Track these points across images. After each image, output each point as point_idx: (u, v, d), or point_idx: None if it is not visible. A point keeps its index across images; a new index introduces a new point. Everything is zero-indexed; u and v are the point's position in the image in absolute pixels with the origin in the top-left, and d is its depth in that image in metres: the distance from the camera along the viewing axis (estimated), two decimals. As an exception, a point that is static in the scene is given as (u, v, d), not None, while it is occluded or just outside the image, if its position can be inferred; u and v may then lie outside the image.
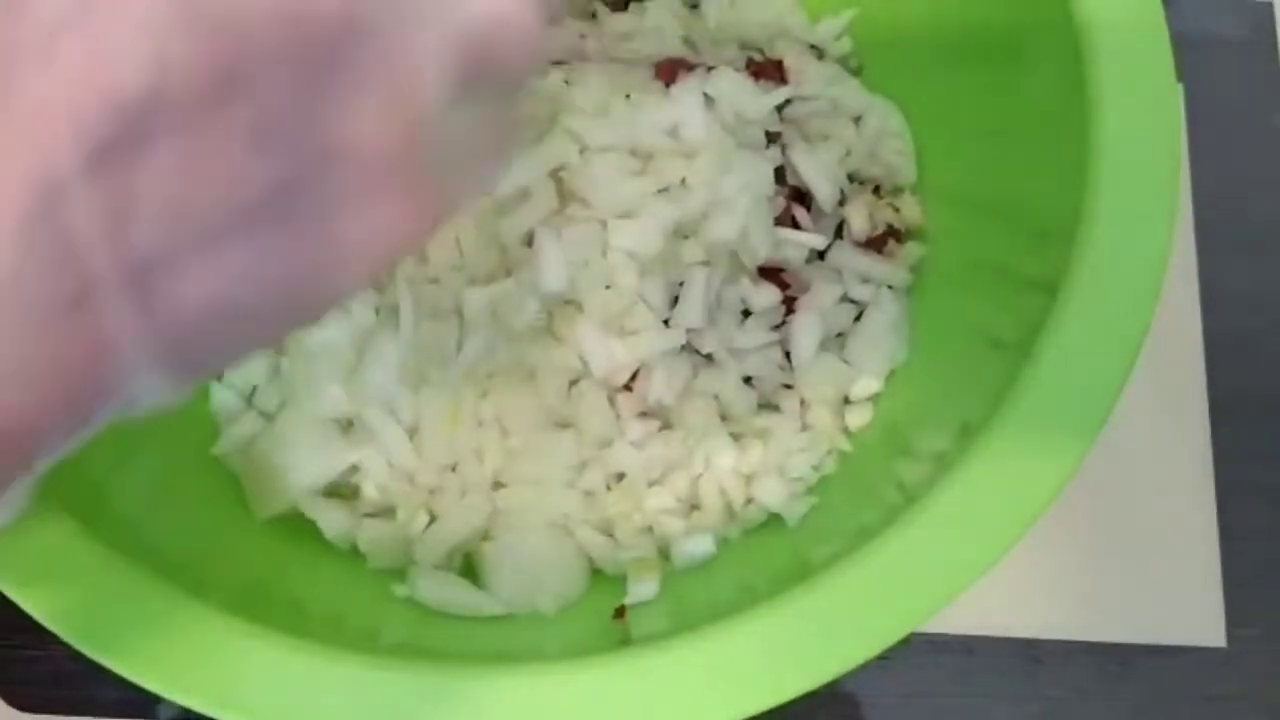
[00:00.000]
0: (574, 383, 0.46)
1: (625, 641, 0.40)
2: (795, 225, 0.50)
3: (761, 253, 0.48)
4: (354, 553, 0.46)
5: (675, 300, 0.47)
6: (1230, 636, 0.54)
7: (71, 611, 0.36)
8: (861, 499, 0.44)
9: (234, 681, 0.35)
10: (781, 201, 0.49)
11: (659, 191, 0.46)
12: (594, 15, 0.54)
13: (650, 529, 0.47)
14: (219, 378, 0.48)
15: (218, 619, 0.36)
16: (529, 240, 0.46)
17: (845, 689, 0.52)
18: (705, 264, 0.47)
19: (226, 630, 0.36)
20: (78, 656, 0.35)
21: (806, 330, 0.48)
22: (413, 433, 0.46)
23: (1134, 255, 0.40)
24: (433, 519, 0.46)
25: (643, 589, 0.44)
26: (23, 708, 0.50)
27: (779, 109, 0.51)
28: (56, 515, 0.37)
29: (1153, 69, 0.42)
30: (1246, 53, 0.65)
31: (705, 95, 0.48)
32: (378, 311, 0.46)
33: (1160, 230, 0.40)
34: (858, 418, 0.48)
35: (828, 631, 0.36)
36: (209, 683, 0.35)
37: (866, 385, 0.49)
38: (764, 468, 0.47)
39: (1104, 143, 0.41)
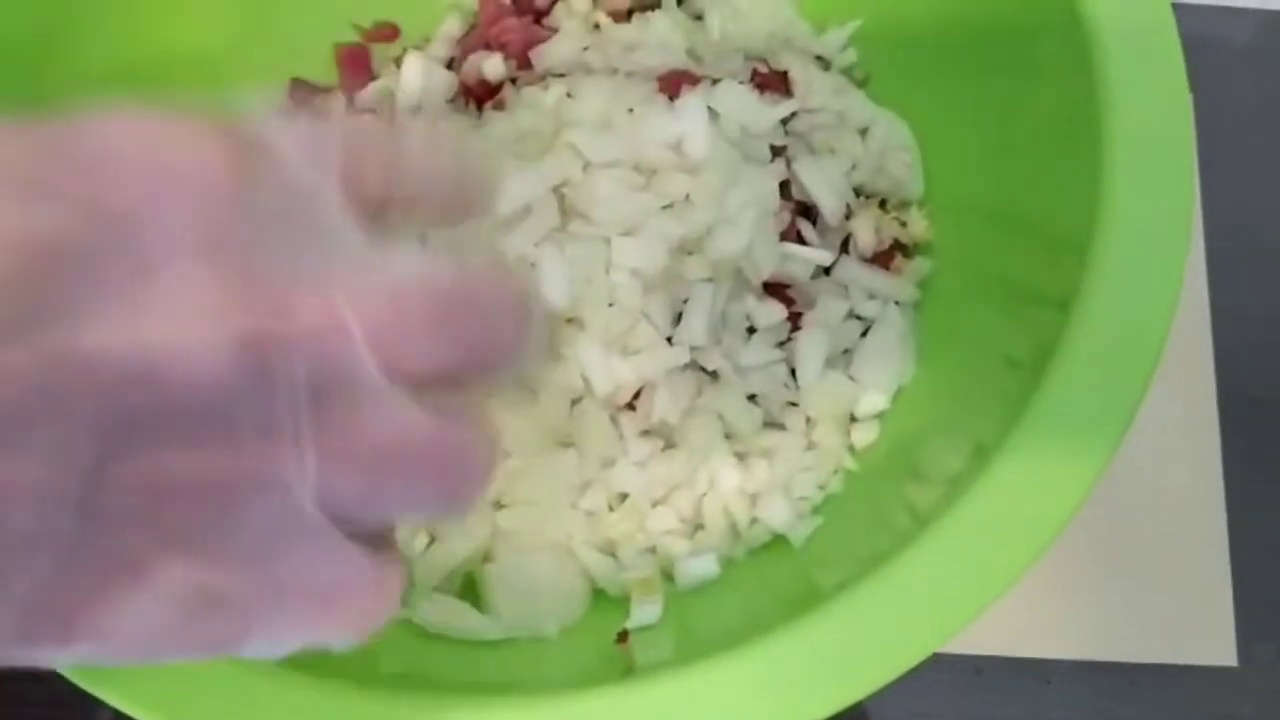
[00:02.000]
0: (576, 402, 0.46)
1: (629, 669, 0.40)
2: (800, 240, 0.49)
3: (766, 269, 0.47)
4: (352, 574, 0.45)
5: (679, 317, 0.46)
6: (1242, 655, 0.53)
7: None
8: (869, 520, 0.44)
9: (226, 713, 0.35)
10: (786, 216, 0.49)
11: (662, 207, 0.46)
12: (597, 26, 0.53)
13: (653, 549, 0.46)
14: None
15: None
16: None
17: (850, 708, 0.51)
18: (709, 280, 0.46)
19: (219, 662, 0.35)
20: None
21: (812, 347, 0.47)
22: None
23: (1148, 269, 0.39)
24: (432, 540, 0.46)
25: (646, 612, 0.43)
26: (20, 730, 0.50)
27: (784, 122, 0.50)
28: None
29: (1164, 78, 0.41)
30: (1257, 60, 0.64)
31: (709, 109, 0.47)
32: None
33: (1175, 243, 0.39)
34: (864, 436, 0.48)
35: (838, 660, 0.35)
36: (200, 714, 0.34)
37: (873, 402, 0.48)
38: (769, 487, 0.46)
39: (1115, 154, 0.40)
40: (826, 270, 0.50)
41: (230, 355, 0.20)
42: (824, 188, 0.49)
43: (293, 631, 0.23)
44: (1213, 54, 0.64)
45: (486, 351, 0.24)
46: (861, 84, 0.54)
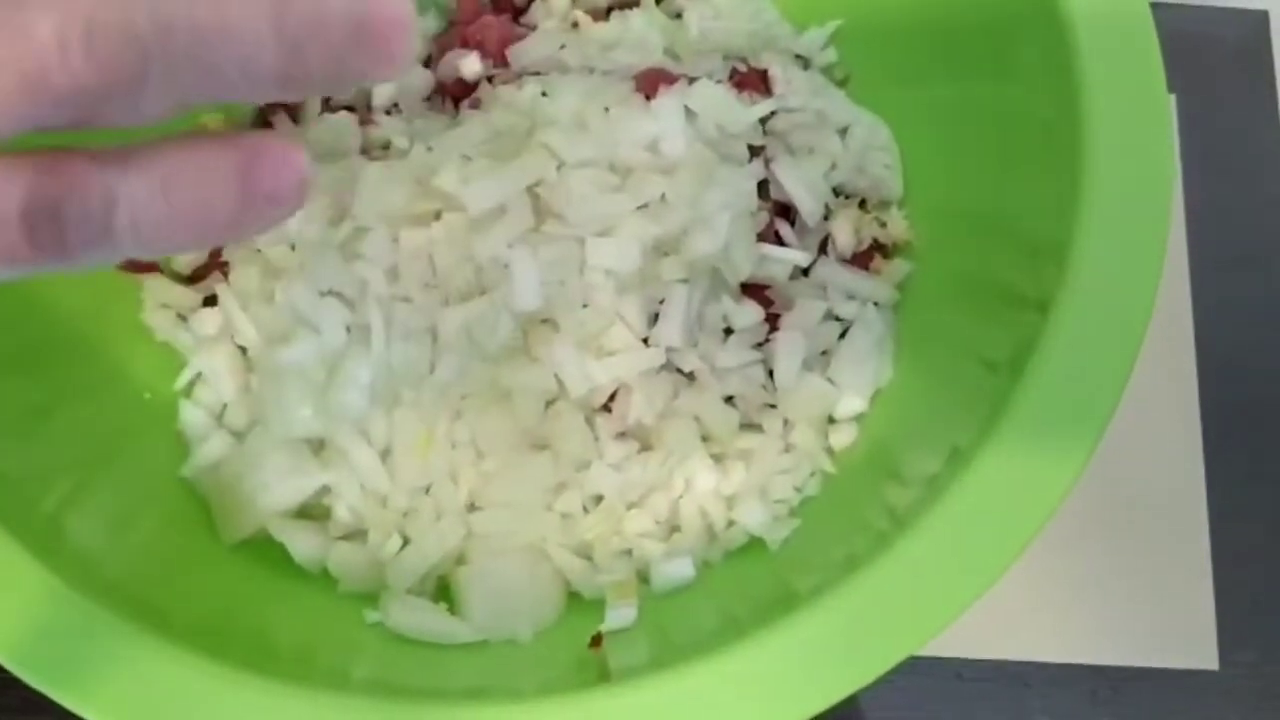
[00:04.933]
0: (550, 403, 0.45)
1: (604, 674, 0.39)
2: (779, 241, 0.49)
3: (744, 269, 0.47)
4: (324, 576, 0.45)
5: (655, 318, 0.46)
6: (1223, 660, 0.53)
7: (31, 650, 0.35)
8: (847, 522, 0.43)
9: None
10: (765, 216, 0.48)
11: (638, 208, 0.45)
12: (575, 25, 0.52)
13: (629, 552, 0.46)
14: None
15: (182, 658, 0.35)
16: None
17: (829, 713, 0.51)
18: (686, 281, 0.46)
19: (190, 670, 0.35)
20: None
21: (790, 348, 0.47)
22: (385, 454, 0.45)
23: (1126, 271, 0.39)
24: (406, 542, 0.45)
25: (621, 615, 0.43)
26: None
27: (763, 121, 0.50)
28: (10, 549, 0.36)
29: (1143, 80, 0.41)
30: (1241, 61, 0.64)
31: (686, 108, 0.47)
32: (349, 331, 0.45)
33: (1153, 245, 0.39)
34: (842, 438, 0.47)
35: (815, 664, 0.35)
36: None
37: (851, 404, 0.47)
38: (745, 489, 0.46)
39: (1095, 156, 0.40)
40: (805, 271, 0.49)
41: None
42: (802, 188, 0.49)
43: None
44: (1200, 54, 0.64)
45: None
46: (842, 84, 0.53)
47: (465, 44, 0.52)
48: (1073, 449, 0.37)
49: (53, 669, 0.35)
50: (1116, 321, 0.38)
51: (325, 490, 0.46)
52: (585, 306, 0.44)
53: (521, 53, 0.51)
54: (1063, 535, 0.53)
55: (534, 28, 0.53)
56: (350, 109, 0.51)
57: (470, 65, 0.51)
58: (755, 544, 0.46)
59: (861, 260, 0.50)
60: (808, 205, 0.49)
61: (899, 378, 0.48)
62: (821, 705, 0.35)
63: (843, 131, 0.51)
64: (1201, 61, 0.63)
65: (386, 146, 0.49)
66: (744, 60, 0.52)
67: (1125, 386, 0.38)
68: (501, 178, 0.44)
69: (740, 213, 0.46)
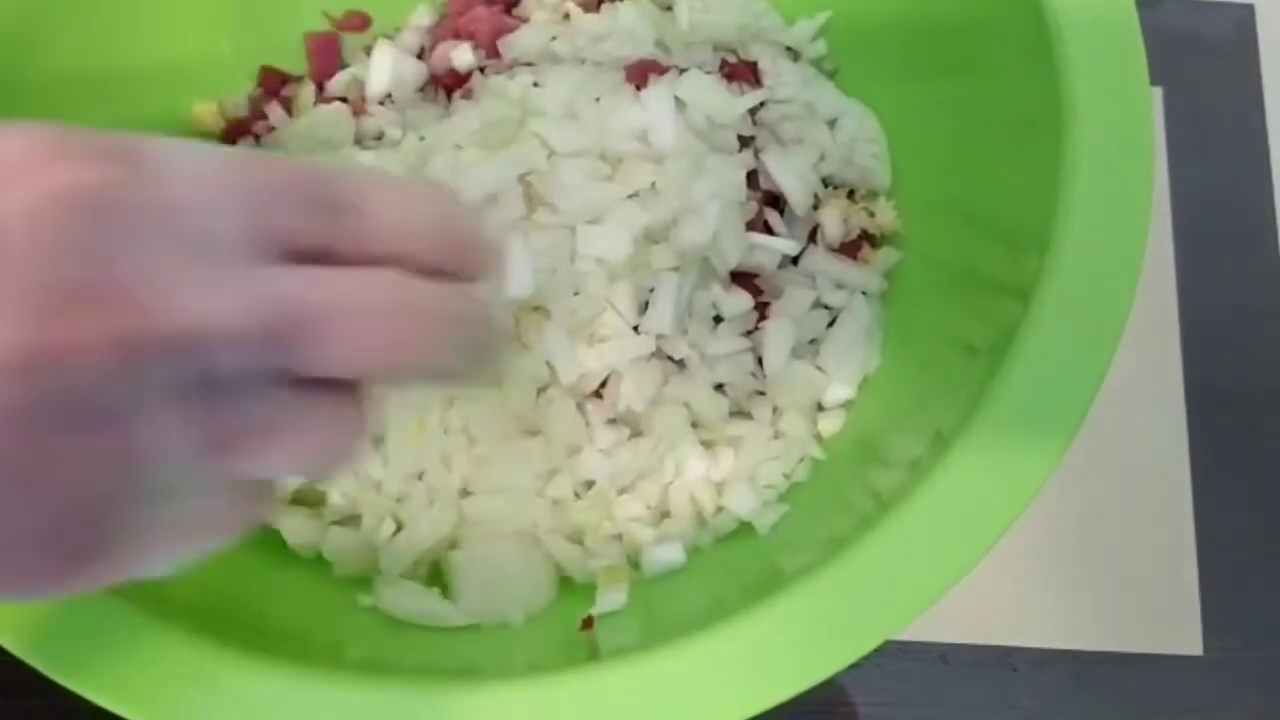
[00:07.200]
0: (542, 390, 0.46)
1: (594, 655, 0.40)
2: (768, 230, 0.49)
3: (733, 258, 0.47)
4: (319, 561, 0.46)
5: (645, 306, 0.46)
6: (1207, 645, 0.53)
7: (30, 632, 0.35)
8: (834, 507, 0.44)
9: (196, 704, 0.35)
10: (754, 206, 0.49)
11: (629, 196, 0.46)
12: (566, 16, 0.53)
13: (620, 537, 0.46)
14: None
15: (179, 639, 0.36)
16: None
17: (817, 697, 0.51)
18: (676, 269, 0.46)
19: (189, 651, 0.35)
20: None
21: (779, 336, 0.47)
22: (379, 440, 0.46)
23: (1108, 260, 0.39)
24: (399, 527, 0.46)
25: (611, 599, 0.44)
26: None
27: (752, 112, 0.50)
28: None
29: (1126, 72, 0.41)
30: (1227, 54, 0.64)
31: (676, 99, 0.47)
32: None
33: (1134, 235, 0.40)
34: (830, 425, 0.48)
35: (801, 642, 0.35)
36: (170, 705, 0.35)
37: (839, 392, 0.48)
38: (735, 475, 0.47)
39: (1077, 147, 0.40)
40: (794, 260, 0.50)
41: (105, 353, 0.23)
42: (791, 178, 0.49)
43: (185, 546, 0.29)
44: (1186, 47, 0.64)
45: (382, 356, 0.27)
46: (831, 76, 0.54)
47: (458, 35, 0.52)
48: (1054, 434, 0.37)
49: (52, 650, 0.35)
50: (1097, 311, 0.39)
51: (319, 476, 0.46)
52: (576, 294, 0.45)
53: (513, 44, 0.51)
54: (1047, 520, 0.54)
55: (525, 19, 0.53)
56: (344, 100, 0.52)
57: (462, 56, 0.51)
58: (745, 529, 0.46)
59: (850, 250, 0.50)
60: (797, 195, 0.49)
61: (886, 365, 0.48)
62: (804, 684, 0.35)
63: (831, 122, 0.52)
64: (1188, 55, 0.64)
65: (380, 137, 0.50)
66: (734, 52, 0.53)
67: (1105, 375, 0.38)
68: (493, 167, 0.45)
69: (729, 202, 0.47)
